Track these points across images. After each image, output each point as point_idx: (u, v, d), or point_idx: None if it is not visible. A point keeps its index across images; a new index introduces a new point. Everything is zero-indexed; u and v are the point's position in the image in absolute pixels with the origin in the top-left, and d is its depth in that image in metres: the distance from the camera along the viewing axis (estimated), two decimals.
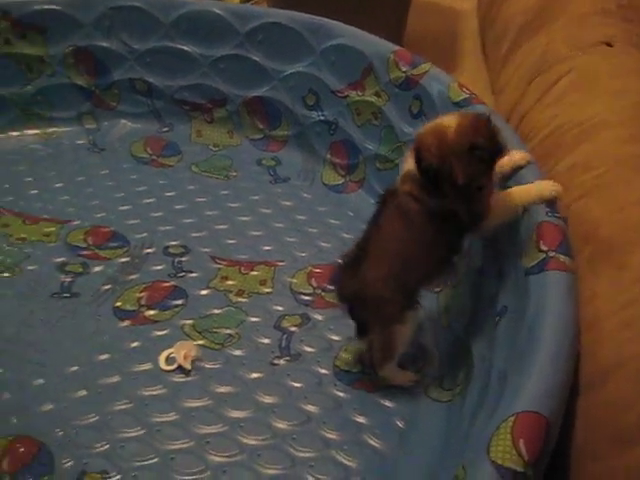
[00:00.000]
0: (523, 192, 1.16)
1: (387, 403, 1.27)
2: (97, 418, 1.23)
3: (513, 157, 1.21)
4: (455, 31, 2.57)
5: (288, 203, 1.77)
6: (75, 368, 1.32)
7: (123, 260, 1.58)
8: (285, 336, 1.40)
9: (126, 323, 1.42)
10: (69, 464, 1.15)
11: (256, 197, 1.79)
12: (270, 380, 1.31)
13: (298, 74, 1.89)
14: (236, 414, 1.24)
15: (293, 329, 1.41)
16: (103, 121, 2.05)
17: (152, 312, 1.45)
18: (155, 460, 1.16)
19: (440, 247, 1.18)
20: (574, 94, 1.42)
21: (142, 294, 1.49)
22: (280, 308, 1.46)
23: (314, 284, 1.51)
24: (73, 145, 1.98)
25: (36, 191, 1.79)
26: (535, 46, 1.72)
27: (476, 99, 1.45)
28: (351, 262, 1.20)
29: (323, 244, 1.61)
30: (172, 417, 1.23)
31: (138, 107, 2.05)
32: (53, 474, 1.14)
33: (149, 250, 1.61)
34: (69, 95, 2.02)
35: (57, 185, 1.82)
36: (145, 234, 1.65)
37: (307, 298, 1.48)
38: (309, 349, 1.37)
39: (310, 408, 1.26)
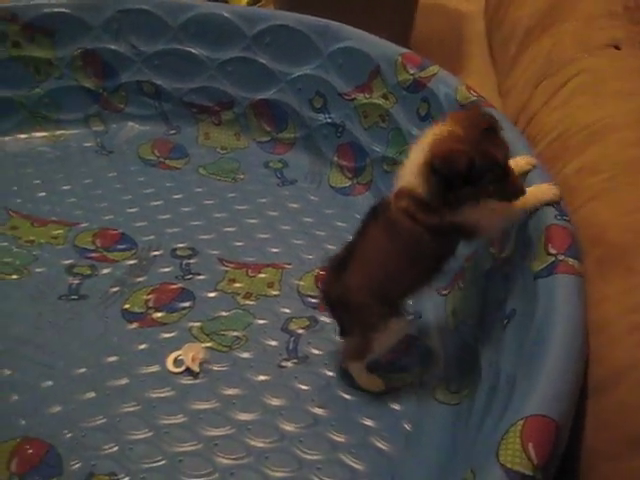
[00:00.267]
0: (524, 197, 1.14)
1: (394, 406, 1.27)
2: (105, 420, 1.23)
3: (519, 163, 1.19)
4: (461, 33, 2.56)
5: (295, 205, 1.78)
6: (83, 370, 1.33)
7: (131, 262, 1.58)
8: (292, 339, 1.40)
9: (134, 325, 1.42)
10: (77, 466, 1.16)
11: (263, 200, 1.79)
12: (277, 382, 1.31)
13: (305, 77, 1.89)
14: (244, 416, 1.24)
15: (300, 332, 1.41)
16: (111, 123, 2.05)
17: (160, 314, 1.45)
18: (163, 462, 1.16)
19: (428, 261, 1.17)
20: (582, 97, 1.41)
21: (150, 296, 1.49)
22: (287, 311, 1.46)
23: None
24: (81, 147, 1.99)
25: (44, 193, 1.80)
26: (542, 48, 1.72)
27: (484, 102, 1.45)
28: (336, 266, 1.20)
29: (330, 247, 1.60)
30: (180, 419, 1.23)
31: (146, 109, 2.06)
32: (61, 476, 1.14)
33: (157, 252, 1.61)
34: (77, 97, 2.03)
35: (65, 187, 1.83)
36: (153, 236, 1.66)
37: (314, 301, 1.48)
38: (316, 351, 1.37)
39: (317, 411, 1.26)
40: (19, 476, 1.13)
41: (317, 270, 1.55)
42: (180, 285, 1.52)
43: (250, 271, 1.56)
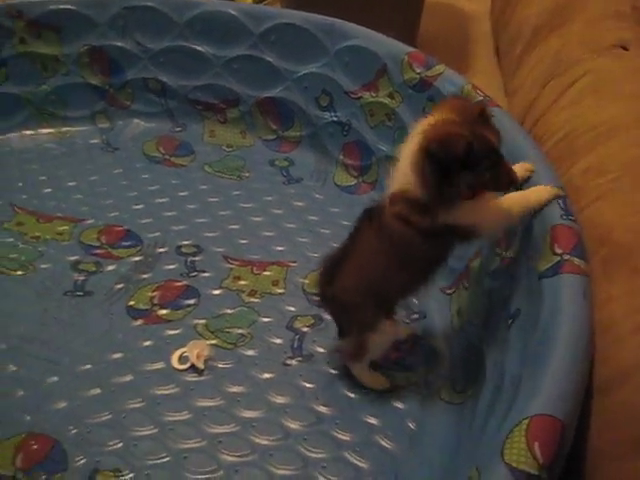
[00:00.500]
0: (521, 198, 1.14)
1: (399, 404, 1.27)
2: (110, 416, 1.24)
3: (517, 170, 1.16)
4: (467, 33, 2.56)
5: (300, 204, 1.78)
6: (88, 366, 1.33)
7: (136, 259, 1.59)
8: (297, 337, 1.40)
9: (139, 322, 1.43)
10: (82, 462, 1.16)
11: (269, 197, 1.80)
12: (282, 380, 1.31)
13: (311, 75, 1.89)
14: (248, 414, 1.24)
15: (305, 330, 1.41)
16: (117, 120, 2.06)
17: (165, 311, 1.45)
18: (168, 459, 1.17)
19: (420, 265, 1.16)
20: (589, 97, 1.41)
21: (155, 293, 1.49)
22: (292, 309, 1.46)
23: None
24: (87, 144, 1.99)
25: (50, 190, 1.81)
26: (550, 48, 1.72)
27: (491, 101, 1.45)
28: (330, 267, 1.21)
29: (335, 245, 1.58)
30: (185, 416, 1.24)
31: (151, 106, 2.06)
32: (66, 471, 1.15)
33: (162, 249, 1.62)
34: (83, 94, 2.03)
35: (71, 184, 1.83)
36: (158, 233, 1.66)
37: None
38: (321, 350, 1.37)
39: (322, 409, 1.26)
40: (24, 471, 1.14)
41: None
42: (185, 282, 1.52)
43: (255, 269, 1.56)
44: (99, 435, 1.20)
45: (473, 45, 2.48)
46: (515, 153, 1.30)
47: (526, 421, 0.83)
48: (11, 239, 1.63)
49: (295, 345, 1.38)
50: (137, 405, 1.26)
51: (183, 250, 1.62)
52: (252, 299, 1.48)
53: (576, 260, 1.04)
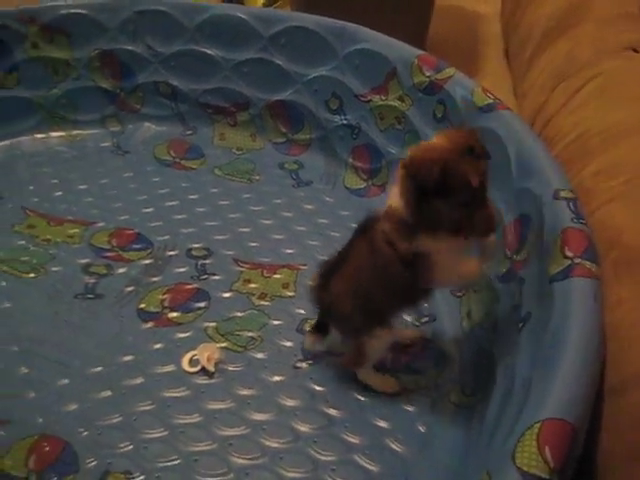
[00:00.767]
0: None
1: (409, 407, 1.26)
2: (121, 419, 1.24)
3: None
4: (477, 35, 2.56)
5: (310, 207, 1.78)
6: (99, 369, 1.33)
7: (146, 262, 1.59)
8: None
9: (149, 325, 1.43)
10: (93, 464, 1.16)
11: (278, 200, 1.80)
12: (292, 383, 1.31)
13: (321, 78, 1.90)
14: (259, 417, 1.24)
15: None
16: (127, 124, 2.07)
17: (175, 314, 1.45)
18: (178, 461, 1.17)
19: (401, 290, 1.15)
20: (600, 100, 1.41)
21: (165, 296, 1.50)
22: (302, 311, 1.46)
23: None
24: (97, 147, 2.00)
25: (61, 193, 1.81)
26: (560, 51, 1.71)
27: (501, 104, 1.45)
28: (326, 272, 1.22)
29: None
30: (195, 419, 1.24)
31: (162, 110, 2.07)
32: (77, 473, 1.15)
33: (172, 252, 1.62)
34: (94, 98, 2.04)
35: (81, 187, 1.84)
36: (168, 236, 1.67)
37: None
38: (331, 353, 1.36)
39: (332, 412, 1.26)
40: (37, 473, 1.14)
41: None
42: (195, 285, 1.53)
43: (265, 272, 1.56)
44: (110, 437, 1.20)
45: (483, 47, 2.47)
46: (525, 155, 1.30)
47: (537, 425, 0.83)
48: (22, 242, 1.64)
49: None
50: (147, 408, 1.26)
51: (193, 253, 1.62)
52: (262, 302, 1.48)
53: (587, 263, 1.03)
